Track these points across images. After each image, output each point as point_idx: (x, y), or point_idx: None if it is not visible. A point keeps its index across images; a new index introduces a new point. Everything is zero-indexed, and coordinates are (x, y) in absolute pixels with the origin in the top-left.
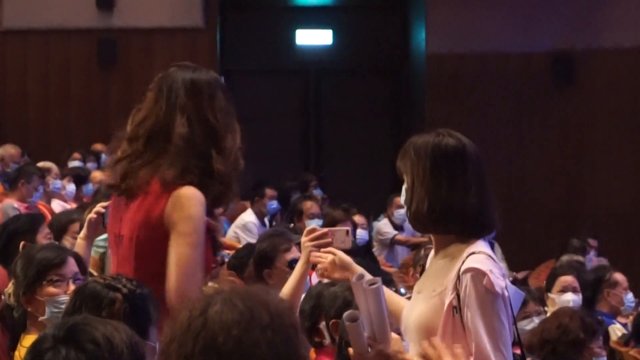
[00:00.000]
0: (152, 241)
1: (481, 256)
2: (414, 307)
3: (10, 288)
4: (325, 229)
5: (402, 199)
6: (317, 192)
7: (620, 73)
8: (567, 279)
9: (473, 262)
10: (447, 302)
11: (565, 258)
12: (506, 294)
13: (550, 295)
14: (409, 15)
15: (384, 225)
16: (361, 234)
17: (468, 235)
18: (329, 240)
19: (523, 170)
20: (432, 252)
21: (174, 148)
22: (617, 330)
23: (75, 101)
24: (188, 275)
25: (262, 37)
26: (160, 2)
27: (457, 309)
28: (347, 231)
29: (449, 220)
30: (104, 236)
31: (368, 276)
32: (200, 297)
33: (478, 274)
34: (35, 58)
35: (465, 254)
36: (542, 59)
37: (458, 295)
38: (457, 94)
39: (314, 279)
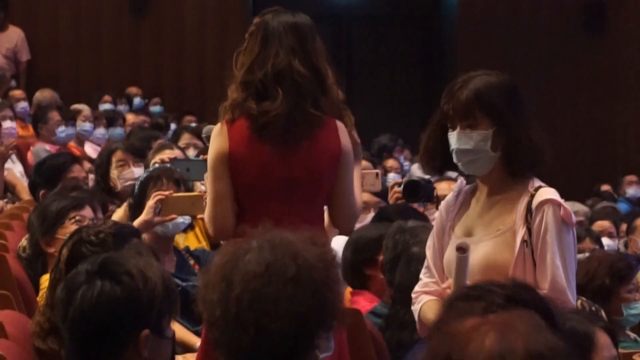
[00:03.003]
0: (332, 175)
1: (551, 189)
2: (476, 248)
3: (24, 242)
4: None
5: (458, 144)
6: None
7: None
8: (604, 224)
9: (547, 194)
10: (518, 236)
11: (594, 204)
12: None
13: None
14: None
15: (417, 169)
16: (395, 178)
17: (523, 173)
18: None
19: (552, 117)
20: (460, 193)
21: (303, 89)
22: None
23: (106, 47)
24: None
25: None
26: None
27: (527, 242)
28: (377, 174)
29: (532, 159)
30: None
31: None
32: (242, 241)
33: (555, 205)
34: (67, 3)
35: (529, 189)
36: (574, 6)
37: (529, 229)
38: (488, 40)
39: None
